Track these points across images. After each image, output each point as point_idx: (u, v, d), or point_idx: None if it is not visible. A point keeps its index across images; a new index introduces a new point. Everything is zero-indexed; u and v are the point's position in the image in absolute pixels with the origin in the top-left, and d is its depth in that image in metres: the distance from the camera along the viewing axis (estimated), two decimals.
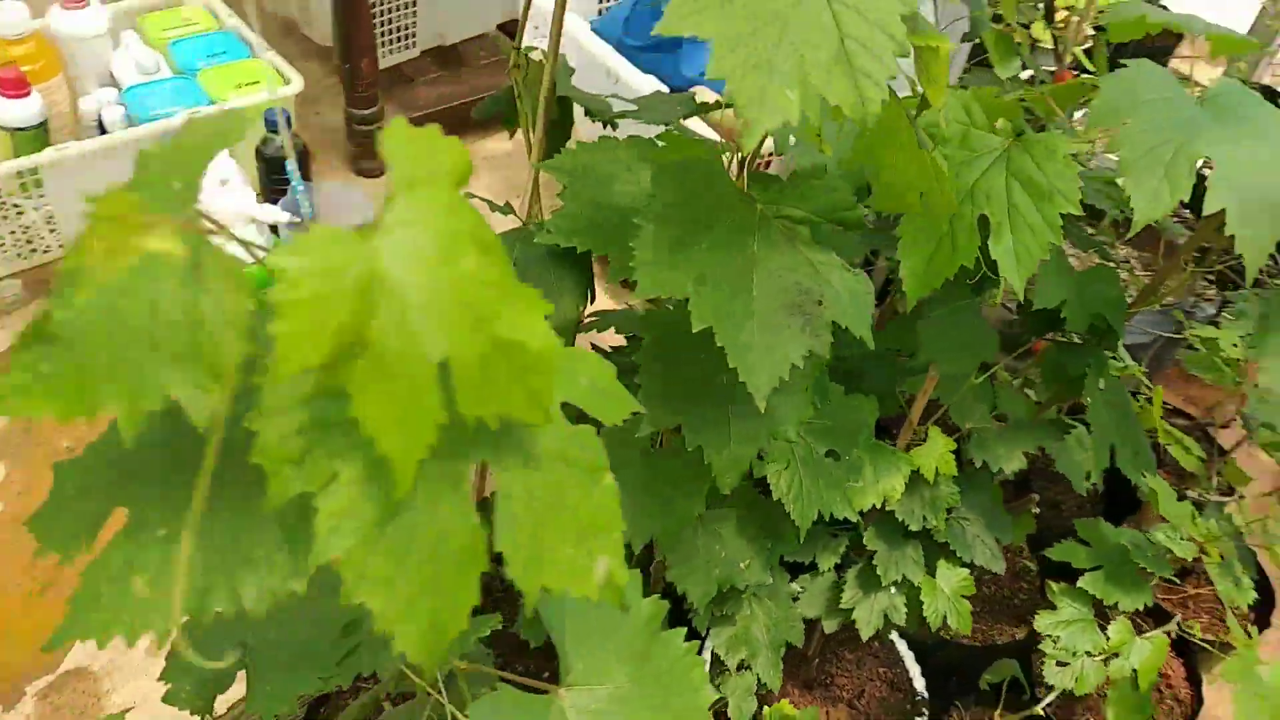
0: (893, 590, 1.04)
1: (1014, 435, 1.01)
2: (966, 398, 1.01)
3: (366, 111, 1.75)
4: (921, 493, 0.99)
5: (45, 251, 1.52)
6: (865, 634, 1.02)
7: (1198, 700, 1.21)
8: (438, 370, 0.32)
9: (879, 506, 0.95)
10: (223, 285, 0.33)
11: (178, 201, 0.35)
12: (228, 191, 1.28)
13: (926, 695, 1.25)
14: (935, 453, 0.97)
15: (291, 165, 1.44)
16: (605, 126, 1.00)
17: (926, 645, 1.30)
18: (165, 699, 0.66)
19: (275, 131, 1.48)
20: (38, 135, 1.54)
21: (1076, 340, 0.98)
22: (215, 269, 0.33)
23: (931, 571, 1.04)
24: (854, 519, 0.91)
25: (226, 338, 0.33)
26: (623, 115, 0.96)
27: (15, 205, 1.45)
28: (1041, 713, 1.03)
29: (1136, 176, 0.71)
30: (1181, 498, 1.09)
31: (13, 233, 1.46)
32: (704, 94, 1.44)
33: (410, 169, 0.33)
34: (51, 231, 1.51)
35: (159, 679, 0.67)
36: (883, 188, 0.64)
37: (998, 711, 1.09)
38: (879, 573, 1.01)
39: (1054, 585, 1.04)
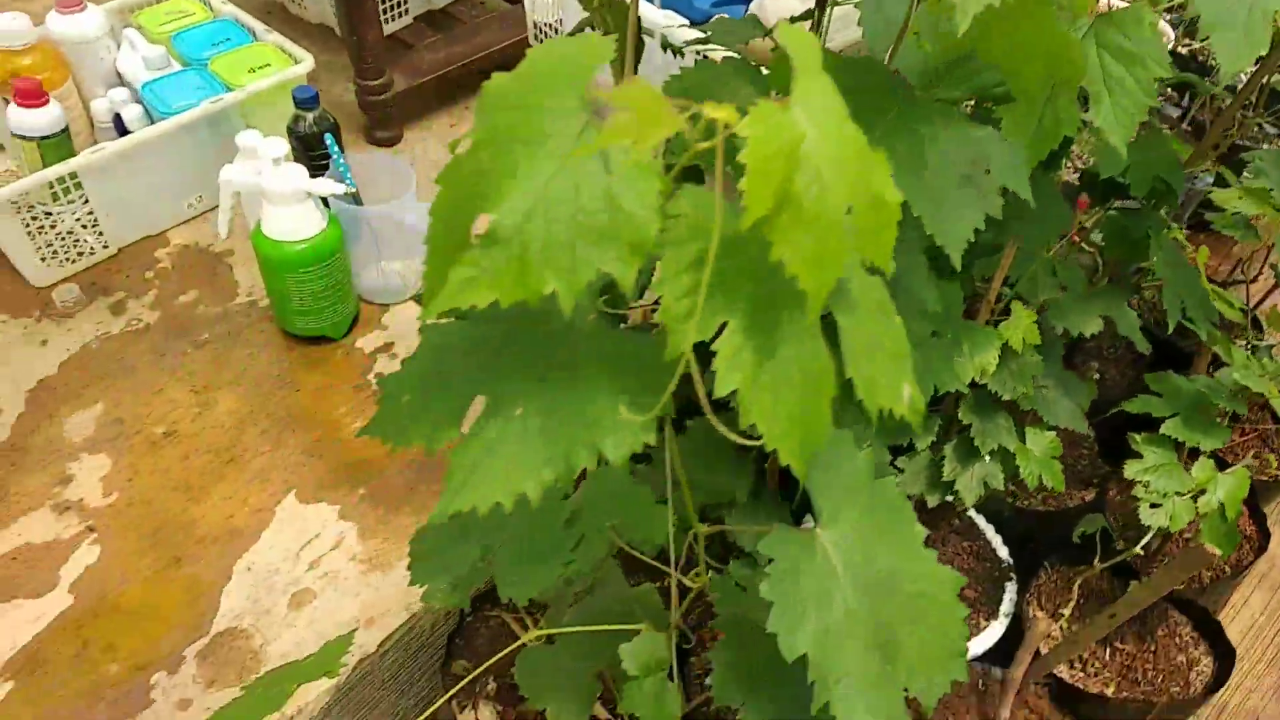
0: (988, 459, 1.12)
1: (1087, 301, 1.09)
2: (1038, 272, 1.08)
3: (376, 82, 1.77)
4: (1010, 364, 1.07)
5: (92, 253, 1.54)
6: (969, 502, 1.10)
7: (1264, 535, 1.31)
8: (840, 218, 0.38)
9: (976, 380, 1.03)
10: (633, 172, 0.39)
11: (579, 109, 0.41)
12: (283, 169, 1.31)
13: (1011, 561, 1.34)
14: (1021, 325, 1.04)
15: (331, 138, 1.47)
16: (674, 55, 1.05)
17: (1003, 517, 1.39)
18: (424, 598, 0.72)
19: (305, 109, 1.50)
20: (62, 142, 1.55)
21: (1137, 206, 1.06)
22: (623, 158, 0.39)
23: (1021, 438, 1.12)
24: (964, 390, 0.98)
25: (643, 216, 0.39)
26: (697, 42, 1.01)
27: (51, 213, 1.46)
28: (1141, 551, 1.12)
29: (1220, 35, 0.77)
30: None
31: (53, 240, 1.48)
32: None
33: (800, 58, 0.38)
34: (98, 235, 1.53)
35: (410, 584, 0.73)
36: (1006, 67, 0.70)
37: (1096, 558, 1.18)
38: (977, 444, 1.08)
39: (1137, 436, 1.12)
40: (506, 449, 0.46)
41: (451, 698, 1.20)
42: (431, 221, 0.43)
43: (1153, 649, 1.34)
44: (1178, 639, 1.36)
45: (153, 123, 1.57)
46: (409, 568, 0.73)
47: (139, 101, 1.61)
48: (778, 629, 0.52)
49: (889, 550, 0.57)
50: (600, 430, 0.45)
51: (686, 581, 0.65)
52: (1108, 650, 1.34)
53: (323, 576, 1.20)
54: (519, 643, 0.71)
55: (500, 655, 0.73)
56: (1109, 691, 1.30)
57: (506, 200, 0.40)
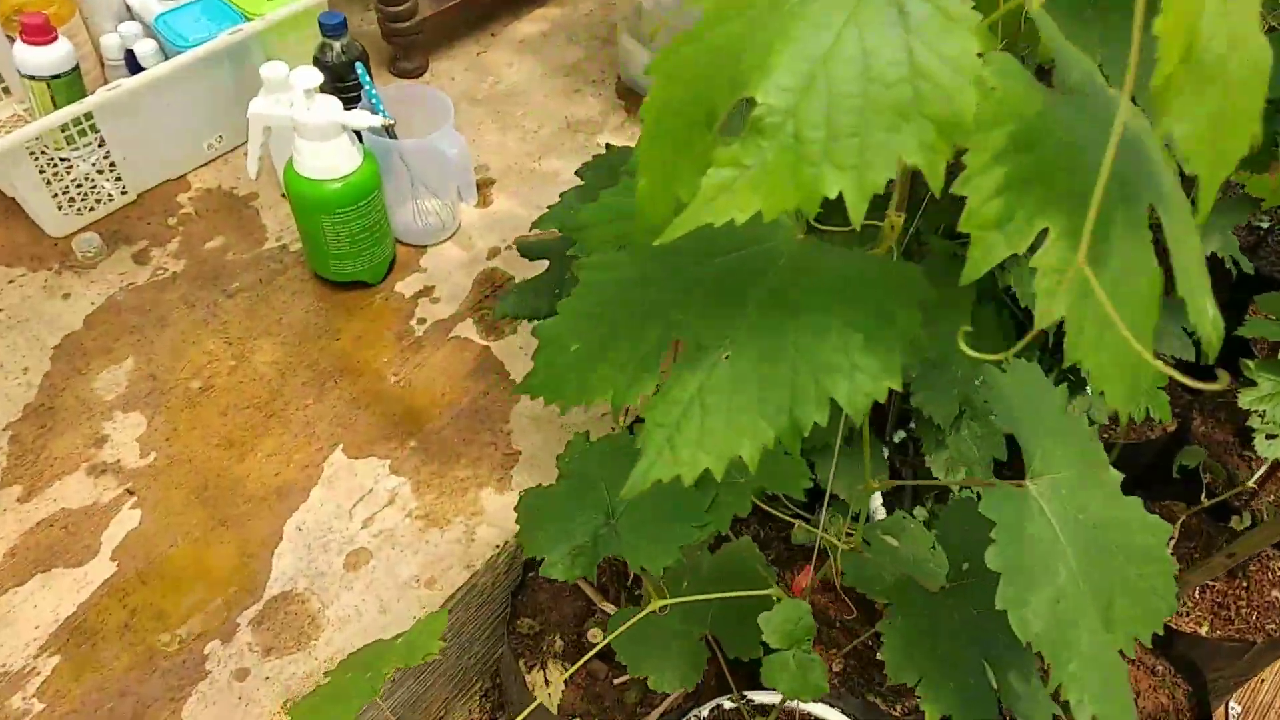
0: (1088, 390, 1.05)
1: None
2: None
3: (400, 8, 1.67)
4: None
5: (110, 200, 1.45)
6: None
7: None
8: (1252, 77, 0.29)
9: None
10: (941, 27, 0.30)
11: None
12: (316, 101, 1.22)
13: None
14: None
15: (362, 68, 1.38)
16: None
17: None
18: (543, 571, 0.65)
19: (333, 37, 1.40)
20: (74, 82, 1.45)
21: None
22: (926, 10, 0.30)
23: None
24: None
25: (956, 87, 0.30)
26: None
27: (66, 158, 1.37)
28: (1254, 486, 1.05)
29: None
30: None
31: (70, 187, 1.39)
32: None
33: None
34: (116, 180, 1.44)
35: (526, 556, 0.65)
36: None
37: (1203, 495, 1.11)
38: (1083, 375, 1.01)
39: (1250, 363, 1.04)
40: (715, 403, 0.38)
41: (519, 657, 1.14)
42: (647, 122, 0.34)
43: (1245, 585, 1.28)
44: (1270, 574, 1.29)
45: (168, 58, 1.47)
46: (518, 536, 0.66)
47: (152, 35, 1.51)
48: (1008, 604, 0.44)
49: (1097, 499, 0.50)
50: (832, 375, 0.37)
51: (839, 542, 0.58)
52: (1196, 588, 1.28)
53: (378, 535, 1.14)
54: (646, 610, 0.63)
55: (628, 625, 0.65)
56: (1203, 631, 1.24)
57: (773, 76, 0.31)
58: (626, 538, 0.62)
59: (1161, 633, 0.51)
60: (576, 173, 0.87)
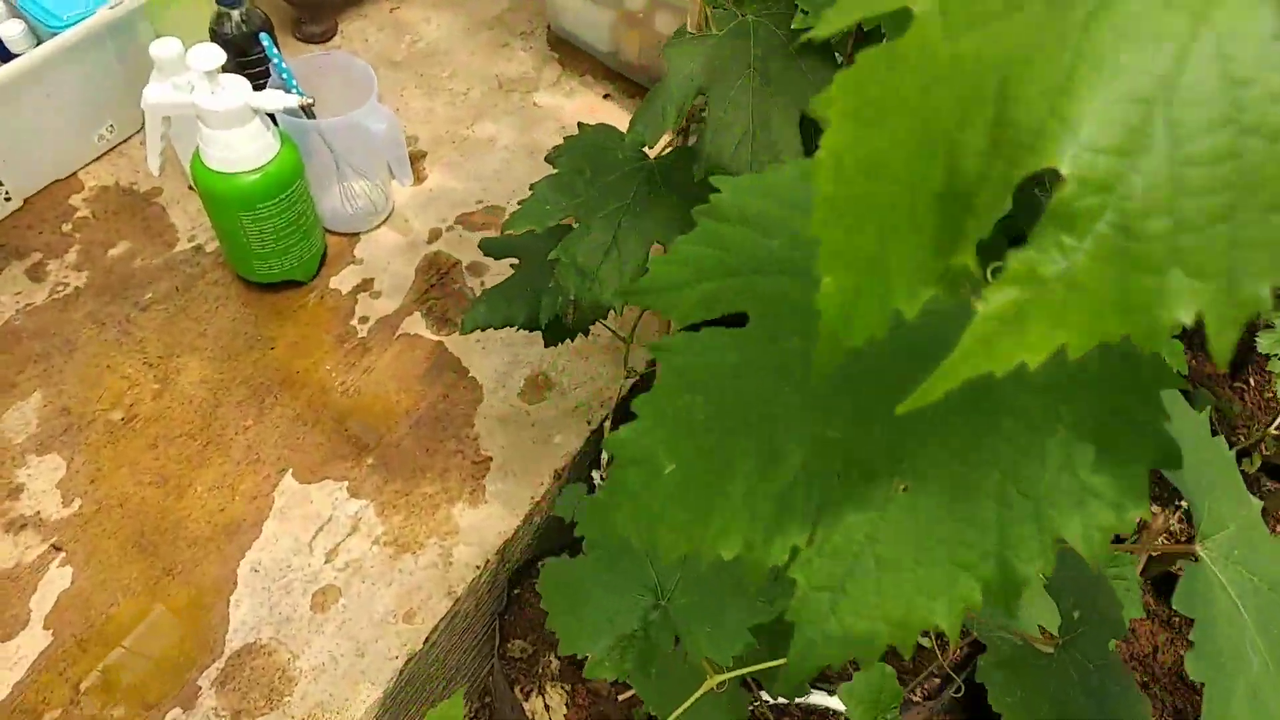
0: None
1: None
2: None
3: None
4: None
5: None
6: None
7: None
8: None
9: None
10: None
11: None
12: (221, 83, 1.07)
13: None
14: None
15: (267, 39, 1.22)
16: None
17: None
18: (588, 672, 0.55)
19: (230, 5, 1.25)
20: None
21: None
22: None
23: None
24: None
25: None
26: None
27: None
28: (1275, 432, 1.00)
29: None
30: None
31: None
32: None
33: None
34: None
35: (563, 652, 0.56)
36: None
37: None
38: None
39: None
40: (894, 554, 0.28)
41: (513, 684, 1.05)
42: (828, 191, 0.22)
43: None
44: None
45: (40, 40, 1.29)
46: (547, 624, 0.56)
47: (18, 15, 1.33)
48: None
49: (1258, 548, 0.42)
50: (1058, 506, 0.28)
51: None
52: None
53: (345, 568, 1.03)
54: (704, 688, 0.54)
55: (681, 709, 0.56)
56: None
57: (1080, 127, 0.20)
58: (684, 622, 0.52)
59: None
60: (547, 158, 0.76)
